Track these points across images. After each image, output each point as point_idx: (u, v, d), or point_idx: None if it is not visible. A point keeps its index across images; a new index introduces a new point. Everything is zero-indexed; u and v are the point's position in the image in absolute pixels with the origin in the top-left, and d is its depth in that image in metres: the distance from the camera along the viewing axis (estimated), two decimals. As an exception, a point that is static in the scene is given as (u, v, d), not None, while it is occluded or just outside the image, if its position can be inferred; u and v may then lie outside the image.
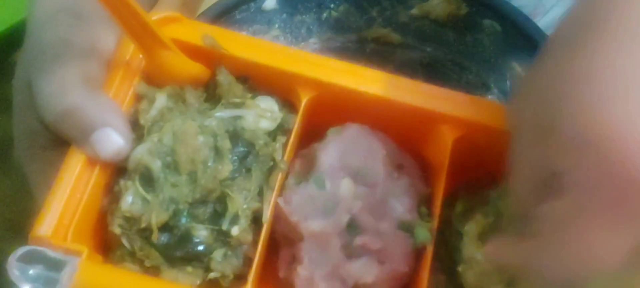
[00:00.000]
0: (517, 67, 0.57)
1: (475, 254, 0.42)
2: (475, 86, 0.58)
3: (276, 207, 0.42)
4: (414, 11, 0.59)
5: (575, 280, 0.31)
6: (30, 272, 0.37)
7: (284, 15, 0.58)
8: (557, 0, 0.64)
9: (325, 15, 0.59)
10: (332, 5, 0.59)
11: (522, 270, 0.35)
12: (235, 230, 0.40)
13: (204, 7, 0.56)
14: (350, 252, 0.42)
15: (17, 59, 0.43)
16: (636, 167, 0.29)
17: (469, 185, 0.47)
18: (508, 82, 0.57)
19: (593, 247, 0.30)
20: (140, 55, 0.42)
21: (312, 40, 0.59)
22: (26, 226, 0.38)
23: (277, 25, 0.58)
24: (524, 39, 0.56)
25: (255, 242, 0.41)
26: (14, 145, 0.44)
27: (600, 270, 0.30)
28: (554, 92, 0.32)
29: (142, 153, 0.40)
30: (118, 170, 0.41)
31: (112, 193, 0.41)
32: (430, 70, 0.59)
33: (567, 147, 0.31)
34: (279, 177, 0.42)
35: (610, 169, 0.29)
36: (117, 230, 0.40)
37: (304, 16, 0.59)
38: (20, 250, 0.36)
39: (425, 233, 0.42)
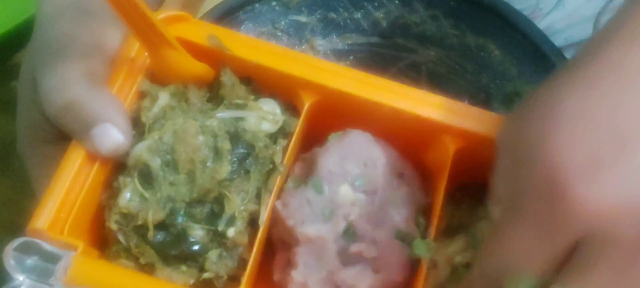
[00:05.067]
0: (516, 75, 0.57)
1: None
2: (476, 91, 0.58)
3: (273, 210, 0.42)
4: (419, 15, 0.59)
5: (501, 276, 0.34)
6: (27, 262, 0.37)
7: (289, 17, 0.58)
8: (554, 4, 0.64)
9: (329, 17, 0.59)
10: (336, 8, 0.59)
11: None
12: (231, 232, 0.40)
13: (208, 6, 0.56)
14: (346, 259, 0.42)
15: (16, 61, 0.43)
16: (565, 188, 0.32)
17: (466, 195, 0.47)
18: (508, 89, 0.57)
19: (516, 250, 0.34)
20: (146, 53, 0.43)
21: (316, 42, 0.59)
22: (25, 227, 0.38)
23: (281, 26, 0.58)
24: (527, 45, 0.56)
25: (251, 244, 0.41)
26: (16, 142, 0.44)
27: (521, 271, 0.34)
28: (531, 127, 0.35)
29: (142, 150, 0.40)
30: (118, 167, 0.41)
31: (110, 189, 0.41)
32: (433, 74, 0.59)
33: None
34: (277, 180, 0.42)
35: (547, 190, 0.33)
36: (113, 226, 0.40)
37: (308, 18, 0.59)
38: (17, 241, 0.37)
39: (422, 248, 0.42)
